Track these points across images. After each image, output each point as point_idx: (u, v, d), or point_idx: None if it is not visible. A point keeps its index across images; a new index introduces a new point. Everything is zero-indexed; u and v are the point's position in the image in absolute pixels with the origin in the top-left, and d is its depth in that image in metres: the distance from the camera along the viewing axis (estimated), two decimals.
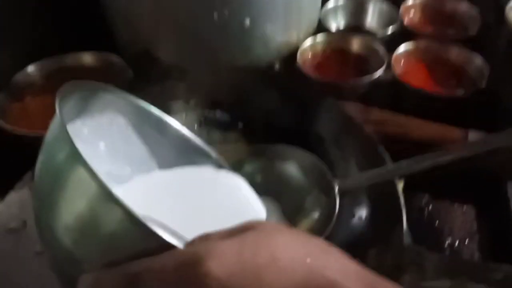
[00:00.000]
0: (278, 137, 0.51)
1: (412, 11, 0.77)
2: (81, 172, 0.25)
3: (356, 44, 0.71)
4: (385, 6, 0.77)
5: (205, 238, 0.26)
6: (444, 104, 0.62)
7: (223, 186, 0.37)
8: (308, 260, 0.24)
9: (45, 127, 0.54)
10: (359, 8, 0.79)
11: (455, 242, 0.51)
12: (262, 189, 0.39)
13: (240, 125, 0.52)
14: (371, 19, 0.79)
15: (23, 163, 0.58)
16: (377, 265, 0.38)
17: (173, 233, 0.32)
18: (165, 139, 0.38)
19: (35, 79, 0.64)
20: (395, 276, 0.35)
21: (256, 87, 0.53)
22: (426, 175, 0.56)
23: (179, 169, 0.37)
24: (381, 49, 0.67)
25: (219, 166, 0.40)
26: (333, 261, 0.25)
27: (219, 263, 0.22)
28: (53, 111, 0.59)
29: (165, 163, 0.38)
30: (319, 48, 0.70)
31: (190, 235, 0.27)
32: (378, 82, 0.66)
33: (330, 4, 0.77)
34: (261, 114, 0.52)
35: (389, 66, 0.66)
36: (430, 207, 0.55)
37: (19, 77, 0.62)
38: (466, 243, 0.51)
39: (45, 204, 0.28)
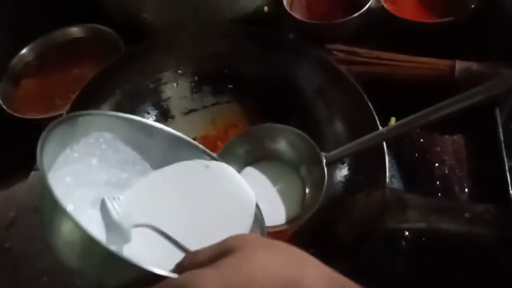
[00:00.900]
0: (267, 93, 0.54)
1: None
2: (64, 219, 0.28)
3: None
4: None
5: (191, 264, 0.29)
6: (434, 32, 0.61)
7: (214, 178, 0.40)
8: (285, 272, 0.27)
9: (49, 106, 0.58)
10: None
11: (445, 171, 0.54)
12: (254, 166, 0.43)
13: (230, 86, 0.54)
14: None
15: (36, 146, 0.63)
16: (364, 208, 0.43)
17: (174, 237, 0.35)
18: (152, 140, 0.40)
19: (31, 61, 0.66)
20: (379, 218, 0.40)
21: (242, 43, 0.54)
22: (417, 109, 0.59)
23: (171, 167, 0.40)
24: None
25: (208, 155, 0.42)
26: (308, 268, 0.29)
27: None
28: (54, 89, 0.63)
29: (157, 162, 0.40)
30: None
31: (190, 234, 0.32)
32: (366, 17, 0.65)
33: None
34: (249, 72, 0.54)
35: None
36: (422, 140, 0.57)
37: (15, 61, 0.64)
38: (456, 171, 0.54)
39: (46, 227, 0.31)
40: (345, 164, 0.48)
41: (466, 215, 0.35)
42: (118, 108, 0.50)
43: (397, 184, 0.50)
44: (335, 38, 0.63)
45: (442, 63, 0.56)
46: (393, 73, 0.57)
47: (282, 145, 0.45)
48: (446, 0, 0.65)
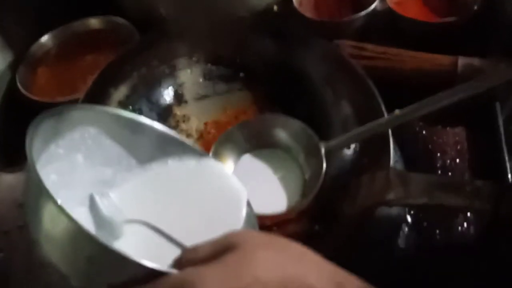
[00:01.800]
0: (277, 82, 0.56)
1: None
2: (53, 209, 0.27)
3: None
4: None
5: (191, 260, 0.29)
6: (438, 32, 0.64)
7: (204, 174, 0.40)
8: (287, 270, 0.27)
9: (66, 92, 0.61)
10: None
11: (446, 162, 0.56)
12: (253, 154, 0.46)
13: (242, 74, 0.57)
14: None
15: None
16: (368, 187, 0.44)
17: (167, 233, 0.34)
18: (140, 136, 0.40)
19: (50, 48, 0.68)
20: (383, 195, 0.41)
21: (254, 34, 0.56)
22: None
23: (160, 164, 0.40)
24: None
25: (197, 152, 0.42)
26: (309, 265, 0.29)
27: None
28: (71, 76, 0.65)
29: (144, 159, 0.40)
30: None
31: (182, 231, 0.31)
32: (374, 15, 0.68)
33: None
34: (260, 61, 0.56)
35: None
36: (424, 132, 0.59)
37: (34, 48, 0.67)
38: (457, 162, 0.56)
39: (32, 220, 0.30)
40: (351, 148, 0.49)
41: (467, 189, 0.37)
42: (134, 91, 0.52)
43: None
44: (342, 35, 0.66)
45: (445, 59, 0.59)
46: (397, 67, 0.60)
47: (281, 134, 0.46)
48: (450, 2, 0.67)
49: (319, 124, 0.52)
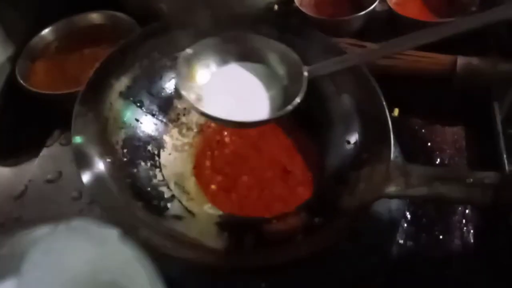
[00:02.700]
0: None
1: None
2: None
3: None
4: None
5: None
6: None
7: None
8: None
9: (65, 85, 0.60)
10: None
11: (444, 160, 0.57)
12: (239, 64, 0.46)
13: None
14: None
15: (49, 122, 0.65)
16: (368, 181, 0.44)
17: None
18: None
19: (50, 42, 0.68)
20: (383, 187, 0.41)
21: (255, 28, 0.56)
22: (419, 101, 0.61)
23: None
24: None
25: None
26: None
27: None
28: (70, 69, 0.65)
29: None
30: None
31: None
32: (373, 15, 0.69)
33: None
34: None
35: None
36: (423, 131, 0.60)
37: (35, 40, 0.67)
38: (455, 160, 0.57)
39: None
40: (351, 144, 0.49)
41: (467, 180, 0.37)
42: (135, 82, 0.52)
43: None
44: (342, 34, 0.66)
45: (444, 58, 0.59)
46: (397, 65, 0.60)
47: (265, 53, 0.46)
48: (449, 4, 0.68)
49: (319, 117, 0.53)
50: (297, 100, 0.41)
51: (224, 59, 0.46)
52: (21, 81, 0.61)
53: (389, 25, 0.70)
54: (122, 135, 0.50)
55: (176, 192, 0.50)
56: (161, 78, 0.55)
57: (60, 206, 0.57)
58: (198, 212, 0.49)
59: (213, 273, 0.43)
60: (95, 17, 0.70)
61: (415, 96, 0.61)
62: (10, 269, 0.28)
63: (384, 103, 0.48)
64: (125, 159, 0.48)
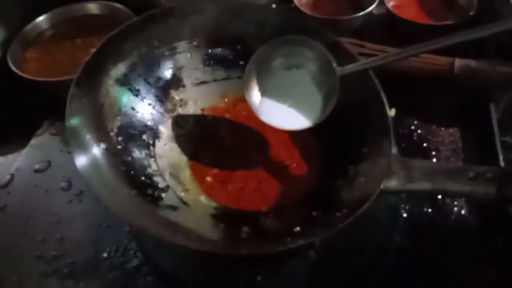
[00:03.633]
0: None
1: None
2: None
3: None
4: None
5: None
6: (435, 34, 0.65)
7: None
8: None
9: (57, 72, 0.59)
10: None
11: (441, 161, 0.56)
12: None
13: (242, 62, 0.56)
14: None
15: (40, 111, 0.64)
16: (368, 175, 0.44)
17: None
18: None
19: (45, 30, 0.67)
20: (384, 181, 0.41)
21: (256, 22, 0.56)
22: (416, 102, 0.61)
23: None
24: None
25: None
26: None
27: None
28: (63, 58, 0.64)
29: None
30: None
31: None
32: (372, 16, 0.69)
33: None
34: None
35: (382, 1, 0.68)
36: (419, 131, 0.60)
37: (29, 28, 0.65)
38: (451, 161, 0.57)
39: None
40: (351, 138, 0.49)
41: (470, 174, 0.37)
42: (133, 68, 0.51)
43: None
44: (340, 34, 0.66)
45: (442, 60, 0.59)
46: (395, 65, 0.60)
47: (302, 56, 0.48)
48: (447, 7, 0.69)
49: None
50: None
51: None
52: (13, 68, 0.60)
53: (387, 26, 0.70)
54: (117, 122, 0.48)
55: (171, 182, 0.49)
56: (159, 67, 0.54)
57: (48, 196, 0.55)
58: (193, 203, 0.48)
59: (209, 260, 0.41)
60: (92, 7, 0.69)
61: (412, 97, 0.61)
62: None
63: (384, 97, 0.47)
64: (119, 147, 0.47)
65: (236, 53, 0.56)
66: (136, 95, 0.52)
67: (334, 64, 0.45)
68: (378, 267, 0.47)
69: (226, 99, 0.56)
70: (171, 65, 0.54)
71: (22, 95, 0.62)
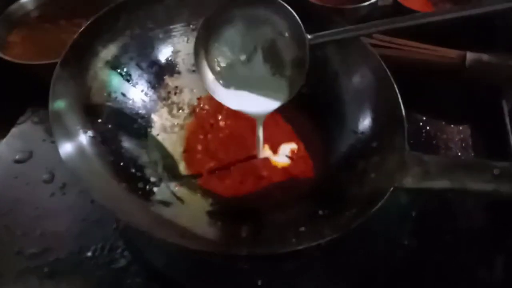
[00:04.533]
0: None
1: None
2: None
3: None
4: None
5: None
6: (443, 25, 0.62)
7: None
8: None
9: (42, 54, 0.55)
10: None
11: (450, 157, 0.53)
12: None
13: None
14: None
15: (22, 98, 0.59)
16: (378, 171, 0.40)
17: None
18: None
19: (31, 11, 0.63)
20: (398, 177, 0.37)
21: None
22: (425, 98, 0.58)
23: None
24: None
25: None
26: None
27: None
28: (49, 40, 0.59)
29: None
30: None
31: None
32: (377, 6, 0.66)
33: None
34: None
35: None
36: (428, 128, 0.57)
37: (14, 8, 0.61)
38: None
39: None
40: (359, 130, 0.46)
41: (495, 171, 0.34)
42: (124, 51, 0.47)
43: None
44: (347, 23, 0.63)
45: (453, 53, 0.57)
46: (403, 56, 0.57)
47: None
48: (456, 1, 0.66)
49: (323, 101, 0.49)
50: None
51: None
52: None
53: (393, 16, 0.67)
54: (106, 108, 0.44)
55: (163, 176, 0.45)
56: (152, 50, 0.50)
57: (29, 189, 0.51)
58: (188, 199, 0.44)
59: (204, 261, 0.38)
60: None
61: (420, 92, 0.58)
62: None
63: (397, 89, 0.44)
64: (108, 135, 0.43)
65: None
66: (128, 80, 0.48)
67: (306, 34, 0.41)
68: (385, 268, 0.44)
69: None
70: (166, 49, 0.50)
71: (4, 80, 0.58)
